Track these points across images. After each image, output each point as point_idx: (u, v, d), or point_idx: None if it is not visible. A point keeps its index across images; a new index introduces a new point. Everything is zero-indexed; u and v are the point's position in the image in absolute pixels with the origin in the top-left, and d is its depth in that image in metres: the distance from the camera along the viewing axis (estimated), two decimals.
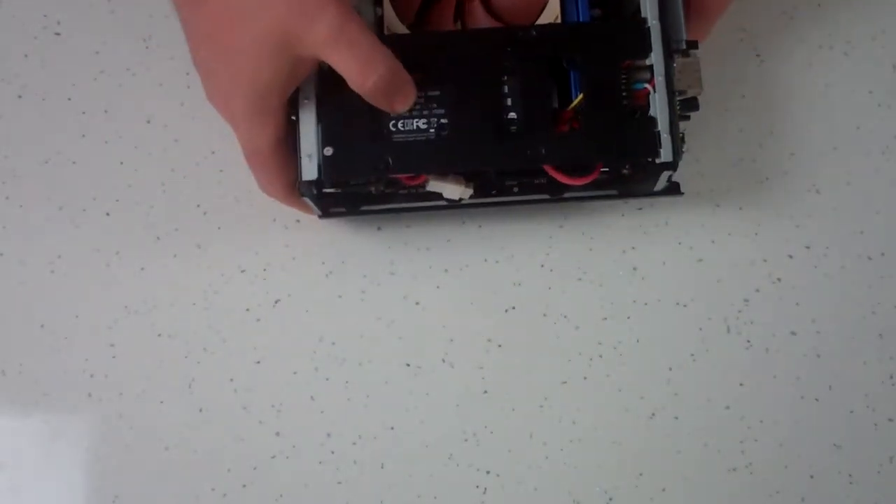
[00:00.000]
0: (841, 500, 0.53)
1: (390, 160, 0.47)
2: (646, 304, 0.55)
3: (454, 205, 0.51)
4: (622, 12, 0.51)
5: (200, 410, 0.54)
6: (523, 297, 0.55)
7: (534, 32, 0.48)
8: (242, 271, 0.55)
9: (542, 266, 0.56)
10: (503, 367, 0.54)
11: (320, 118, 0.47)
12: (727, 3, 0.52)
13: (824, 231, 0.56)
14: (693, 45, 0.49)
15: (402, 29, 0.50)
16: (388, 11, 0.50)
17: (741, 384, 0.54)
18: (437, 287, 0.55)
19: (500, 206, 0.54)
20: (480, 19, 0.51)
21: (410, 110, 0.47)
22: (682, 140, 0.49)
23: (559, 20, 0.50)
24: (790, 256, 0.56)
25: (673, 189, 0.51)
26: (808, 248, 0.56)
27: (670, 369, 0.54)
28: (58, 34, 0.59)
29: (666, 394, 0.54)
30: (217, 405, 0.54)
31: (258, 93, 0.45)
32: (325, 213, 0.53)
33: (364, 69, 0.44)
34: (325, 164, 0.47)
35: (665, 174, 0.49)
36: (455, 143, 0.47)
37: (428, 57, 0.48)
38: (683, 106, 0.50)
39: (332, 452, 0.53)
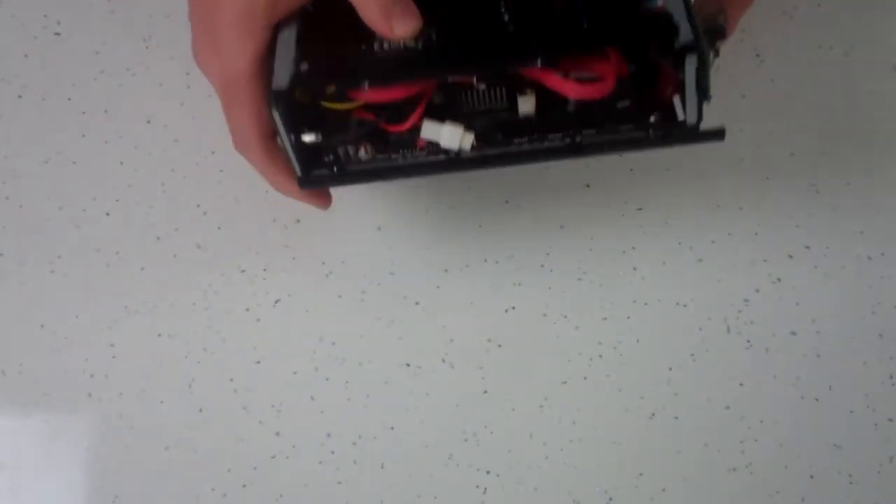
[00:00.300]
0: (841, 500, 0.53)
1: (368, 68, 0.42)
2: (646, 304, 0.55)
3: (454, 162, 0.45)
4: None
5: (200, 410, 0.54)
6: (523, 297, 0.55)
7: None
8: (242, 271, 0.55)
9: (542, 266, 0.56)
10: (503, 367, 0.54)
11: (300, 39, 0.44)
12: None
13: (824, 231, 0.56)
14: None
15: None
16: None
17: (741, 384, 0.54)
18: (437, 287, 0.55)
19: (507, 160, 0.46)
20: None
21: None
22: (716, 52, 0.44)
23: None
24: (790, 256, 0.56)
25: (714, 133, 0.43)
26: (808, 248, 0.56)
27: (670, 369, 0.54)
28: (58, 34, 0.59)
29: (666, 394, 0.54)
30: (217, 405, 0.54)
31: (246, 4, 0.43)
32: (307, 177, 0.45)
33: None
34: (297, 76, 0.42)
35: (695, 101, 0.42)
36: (443, 46, 0.42)
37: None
38: (709, 37, 0.44)
39: (332, 452, 0.53)
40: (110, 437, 0.53)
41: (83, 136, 0.57)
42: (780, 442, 0.54)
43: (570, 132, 0.44)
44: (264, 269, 0.56)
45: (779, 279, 0.56)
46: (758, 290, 0.56)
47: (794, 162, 0.58)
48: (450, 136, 0.43)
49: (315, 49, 0.43)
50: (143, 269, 0.55)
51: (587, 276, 0.56)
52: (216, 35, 0.44)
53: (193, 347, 0.54)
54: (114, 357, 0.54)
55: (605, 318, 0.55)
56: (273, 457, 0.53)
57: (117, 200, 0.56)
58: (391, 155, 0.45)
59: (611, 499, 0.53)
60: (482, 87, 0.44)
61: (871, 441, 0.54)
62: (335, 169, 0.45)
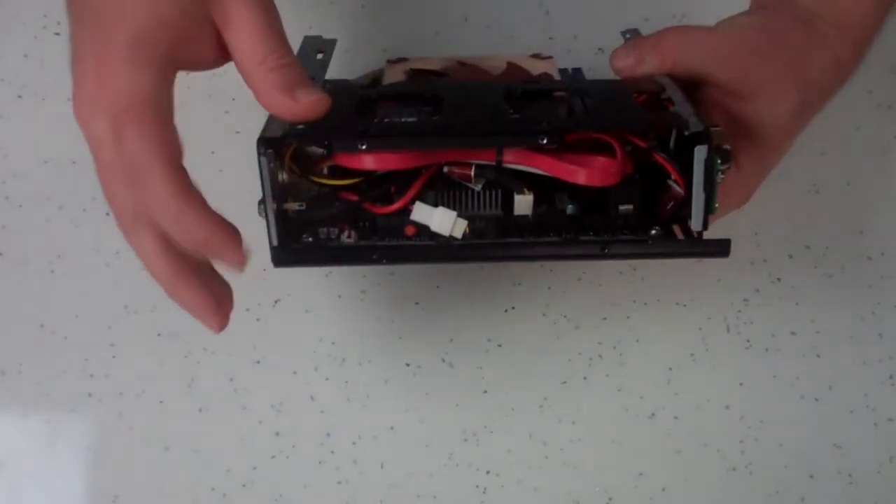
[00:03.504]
0: (841, 500, 0.53)
1: (367, 131, 0.40)
2: (646, 304, 0.55)
3: (443, 249, 0.42)
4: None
5: (200, 410, 0.54)
6: (523, 297, 0.55)
7: (539, 84, 0.46)
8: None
9: (542, 266, 0.56)
10: (503, 367, 0.54)
11: None
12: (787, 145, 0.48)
13: (824, 231, 0.56)
14: (714, 124, 0.42)
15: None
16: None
17: (741, 384, 0.54)
18: (437, 287, 0.55)
19: (499, 254, 0.43)
20: None
21: (397, 114, 0.41)
22: (724, 168, 0.41)
23: None
24: (790, 256, 0.56)
25: (718, 247, 0.41)
26: (808, 248, 0.56)
27: (670, 369, 0.54)
28: (58, 34, 0.59)
29: (666, 394, 0.54)
30: (217, 405, 0.54)
31: (150, 21, 0.39)
32: (285, 250, 0.42)
33: (265, 32, 0.39)
34: (292, 132, 0.40)
35: (700, 210, 0.40)
36: (444, 125, 0.41)
37: (428, 92, 0.44)
38: (718, 152, 0.40)
39: (332, 452, 0.53)
40: (110, 437, 0.53)
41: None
42: (780, 442, 0.54)
43: (566, 235, 0.43)
44: (264, 269, 0.55)
45: (779, 279, 0.56)
46: (758, 290, 0.56)
47: (794, 162, 0.58)
48: (441, 220, 0.41)
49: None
50: (143, 269, 0.55)
51: (587, 276, 0.55)
52: (107, 66, 0.40)
53: (193, 347, 0.54)
54: (114, 357, 0.54)
55: (605, 318, 0.55)
56: (273, 457, 0.53)
57: None
58: (376, 242, 0.43)
59: (611, 499, 0.53)
60: (479, 187, 0.42)
61: (871, 441, 0.54)
62: (314, 246, 0.43)
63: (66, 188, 0.56)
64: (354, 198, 0.42)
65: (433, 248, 0.42)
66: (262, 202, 0.40)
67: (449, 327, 0.55)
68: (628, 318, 0.55)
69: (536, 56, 0.52)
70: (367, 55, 0.58)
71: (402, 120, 0.41)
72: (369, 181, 0.42)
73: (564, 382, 0.54)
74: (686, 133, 0.40)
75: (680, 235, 0.42)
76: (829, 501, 0.53)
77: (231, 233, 0.41)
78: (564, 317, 0.55)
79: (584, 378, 0.54)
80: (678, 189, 0.41)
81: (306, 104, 0.39)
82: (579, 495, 0.53)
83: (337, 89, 0.46)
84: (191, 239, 0.40)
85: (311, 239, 0.42)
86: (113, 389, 0.54)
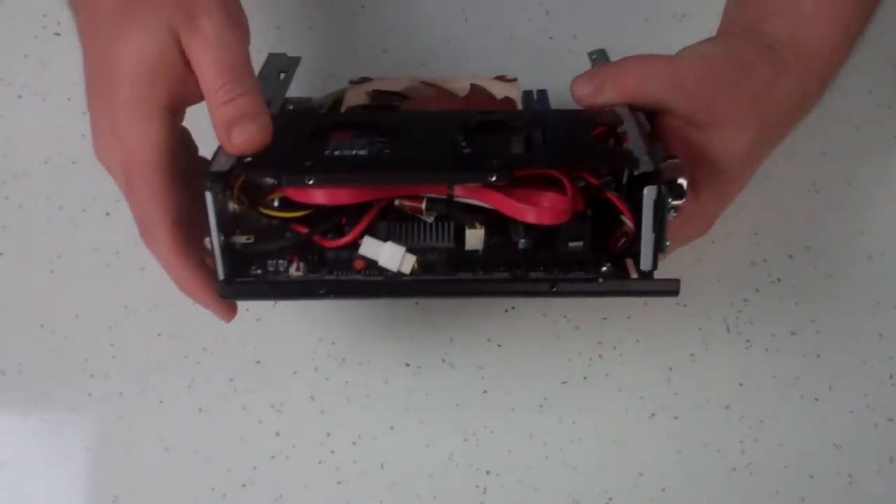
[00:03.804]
0: (841, 500, 0.53)
1: (317, 166, 0.40)
2: (645, 303, 0.55)
3: (391, 285, 0.42)
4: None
5: (200, 410, 0.54)
6: (523, 297, 0.55)
7: (497, 116, 0.45)
8: None
9: None
10: (503, 367, 0.54)
11: None
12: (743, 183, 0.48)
13: (824, 231, 0.56)
14: (671, 156, 0.42)
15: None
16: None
17: (741, 384, 0.54)
18: None
19: (448, 290, 0.44)
20: None
21: (349, 147, 0.41)
22: (674, 207, 0.41)
23: None
24: (790, 256, 0.56)
25: (667, 287, 0.41)
26: (808, 248, 0.56)
27: (670, 369, 0.54)
28: (58, 34, 0.59)
29: (666, 394, 0.54)
30: (217, 405, 0.54)
31: (145, 76, 0.41)
32: (230, 284, 0.41)
33: (220, 69, 0.41)
34: (239, 164, 0.40)
35: (649, 250, 0.40)
36: (395, 157, 0.41)
37: (382, 122, 0.44)
38: (669, 191, 0.40)
39: (332, 452, 0.53)
40: (110, 437, 0.53)
41: (83, 136, 0.57)
42: (780, 442, 0.54)
43: (517, 272, 0.43)
44: None
45: (779, 279, 0.56)
46: (758, 290, 0.56)
47: (794, 162, 0.58)
48: (390, 255, 0.41)
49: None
50: (143, 269, 0.55)
51: None
52: (115, 122, 0.42)
53: (193, 347, 0.54)
54: (114, 357, 0.54)
55: (605, 318, 0.55)
56: (273, 457, 0.53)
57: (117, 200, 0.56)
58: (325, 275, 0.42)
59: (611, 499, 0.53)
60: (430, 219, 0.42)
61: (871, 441, 0.54)
62: (260, 280, 0.42)
63: (66, 188, 0.56)
64: (305, 230, 0.42)
65: (381, 283, 0.42)
66: (207, 236, 0.40)
67: (449, 327, 0.55)
68: (628, 318, 0.55)
69: (501, 78, 0.51)
70: (368, 55, 0.58)
71: (354, 153, 0.41)
72: (320, 213, 0.41)
73: (564, 382, 0.54)
74: (636, 173, 0.40)
75: (633, 270, 0.42)
76: (829, 501, 0.53)
77: (224, 307, 0.44)
78: (564, 317, 0.55)
79: (584, 378, 0.54)
80: (630, 225, 0.41)
81: (237, 143, 0.40)
82: (579, 495, 0.53)
83: (293, 115, 0.46)
84: (182, 289, 0.44)
85: (259, 271, 0.42)
86: (113, 389, 0.54)
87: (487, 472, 0.53)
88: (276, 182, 0.41)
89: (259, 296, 0.44)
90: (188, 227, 0.43)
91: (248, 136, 0.40)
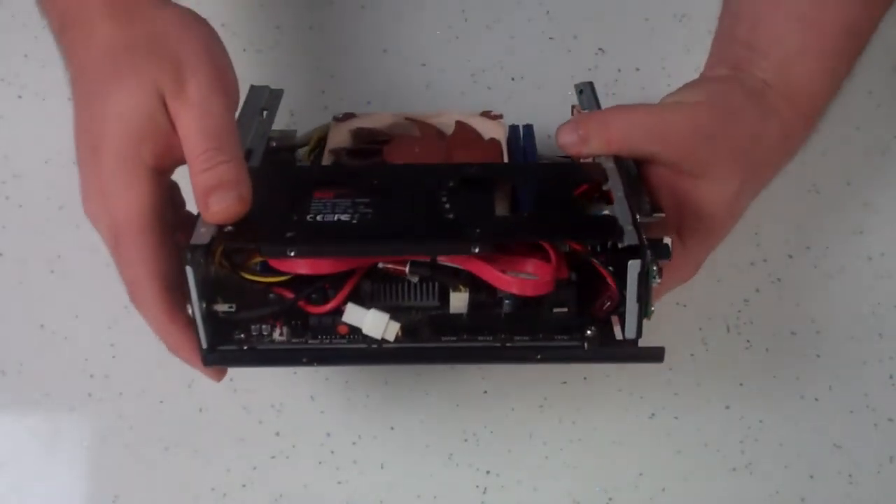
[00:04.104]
0: (841, 500, 0.53)
1: (296, 235, 0.39)
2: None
3: (375, 353, 0.42)
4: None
5: (200, 410, 0.54)
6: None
7: (479, 170, 0.45)
8: None
9: None
10: (503, 367, 0.54)
11: None
12: (727, 228, 0.49)
13: (824, 231, 0.56)
14: (658, 209, 0.44)
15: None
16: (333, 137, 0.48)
17: (741, 384, 0.54)
18: None
19: (432, 357, 0.44)
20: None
21: (330, 209, 0.41)
22: (659, 272, 0.40)
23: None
24: (790, 256, 0.56)
25: (652, 354, 0.41)
26: (808, 248, 0.56)
27: (670, 369, 0.54)
28: None
29: (666, 394, 0.54)
30: (217, 405, 0.54)
31: (131, 135, 0.41)
32: (213, 352, 0.42)
33: (203, 137, 0.41)
34: (219, 234, 0.40)
35: (634, 319, 0.40)
36: (378, 225, 0.40)
37: (364, 179, 0.43)
38: (653, 250, 0.40)
39: (332, 452, 0.53)
40: (110, 437, 0.53)
41: None
42: (780, 442, 0.54)
43: (501, 336, 0.42)
44: None
45: (779, 279, 0.56)
46: (758, 290, 0.56)
47: (794, 162, 0.58)
48: (373, 323, 0.41)
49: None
50: None
51: None
52: (101, 181, 0.42)
53: None
54: (114, 357, 0.54)
55: None
56: (273, 457, 0.53)
57: None
58: (308, 340, 0.42)
59: (611, 499, 0.53)
60: (415, 279, 0.41)
61: (871, 441, 0.54)
62: (244, 347, 0.42)
63: (66, 188, 0.56)
64: (290, 295, 0.41)
65: (365, 351, 0.41)
66: (189, 304, 0.40)
67: None
68: None
69: (486, 114, 0.51)
70: (368, 56, 0.59)
71: (336, 217, 0.40)
72: (302, 277, 0.41)
73: (564, 382, 0.54)
74: (620, 246, 0.40)
75: (618, 331, 0.41)
76: (829, 501, 0.53)
77: (213, 370, 0.44)
78: None
79: (584, 378, 0.54)
80: (615, 289, 0.41)
81: (215, 212, 0.40)
82: (579, 495, 0.53)
83: (274, 168, 0.46)
84: (172, 352, 0.44)
85: (242, 335, 0.42)
86: (113, 389, 0.54)
87: (487, 472, 0.53)
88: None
89: (242, 363, 0.44)
90: (178, 289, 0.42)
91: (226, 206, 0.40)
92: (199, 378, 0.54)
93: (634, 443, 0.54)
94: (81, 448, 0.53)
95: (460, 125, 0.50)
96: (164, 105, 0.41)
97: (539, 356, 0.41)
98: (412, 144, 0.49)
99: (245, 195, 0.40)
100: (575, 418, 0.54)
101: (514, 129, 0.51)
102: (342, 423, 0.54)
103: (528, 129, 0.51)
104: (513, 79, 0.59)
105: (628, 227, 0.40)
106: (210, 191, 0.40)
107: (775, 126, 0.47)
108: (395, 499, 0.53)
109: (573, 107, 0.50)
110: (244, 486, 0.53)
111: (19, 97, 0.58)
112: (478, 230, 0.39)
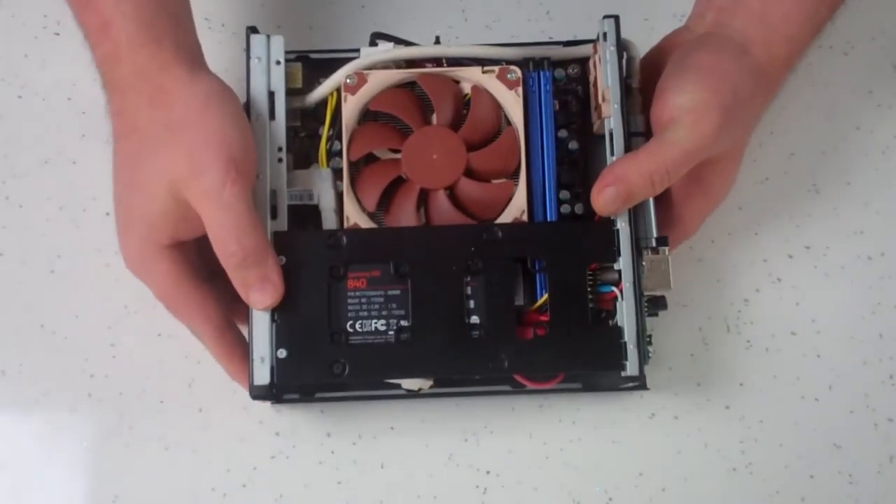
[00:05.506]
0: (841, 500, 0.53)
1: (347, 365, 0.47)
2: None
3: (412, 394, 0.50)
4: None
5: (200, 410, 0.54)
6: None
7: (499, 233, 0.48)
8: None
9: None
10: None
11: (274, 318, 0.47)
12: (705, 215, 0.52)
13: (824, 231, 0.56)
14: (663, 241, 0.49)
15: (363, 217, 0.49)
16: (348, 198, 0.49)
17: (741, 384, 0.54)
18: None
19: (460, 396, 0.53)
20: (444, 210, 0.49)
21: (366, 310, 0.47)
22: (649, 342, 0.49)
23: (525, 215, 0.49)
24: (790, 256, 0.56)
25: (638, 384, 0.49)
26: (808, 248, 0.56)
27: (670, 369, 0.54)
28: (58, 34, 0.59)
29: (666, 394, 0.54)
30: (217, 405, 0.54)
31: (149, 223, 0.46)
32: (278, 399, 0.52)
33: (224, 235, 0.45)
34: (278, 367, 0.47)
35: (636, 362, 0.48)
36: (415, 348, 0.47)
37: (388, 251, 0.48)
38: (651, 304, 0.49)
39: (332, 452, 0.53)
40: (110, 437, 0.53)
41: (83, 136, 0.57)
42: (780, 442, 0.54)
43: (516, 386, 0.50)
44: None
45: (779, 279, 0.56)
46: (758, 290, 0.56)
47: (794, 162, 0.58)
48: (411, 381, 0.49)
49: (289, 327, 0.47)
50: None
51: None
52: (133, 254, 0.48)
53: (193, 347, 0.54)
54: (114, 357, 0.54)
55: None
56: (273, 457, 0.53)
57: None
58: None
59: (611, 499, 0.53)
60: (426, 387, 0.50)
61: (871, 441, 0.54)
62: (304, 393, 0.52)
63: (66, 188, 0.56)
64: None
65: (404, 395, 0.51)
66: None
67: None
68: None
69: (503, 75, 0.50)
70: None
71: (374, 327, 0.47)
72: None
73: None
74: (622, 374, 0.47)
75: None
76: (829, 501, 0.53)
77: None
78: None
79: None
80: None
81: (254, 303, 0.47)
82: (579, 495, 0.53)
83: (300, 236, 0.49)
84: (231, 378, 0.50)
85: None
86: (113, 389, 0.54)
87: (487, 472, 0.53)
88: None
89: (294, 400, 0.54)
90: (230, 328, 0.49)
91: (261, 300, 0.46)
92: (199, 378, 0.54)
93: (634, 443, 0.54)
94: (81, 448, 0.53)
95: (477, 91, 0.51)
96: (182, 196, 0.45)
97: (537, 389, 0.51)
98: (429, 149, 0.50)
99: (275, 287, 0.46)
100: (575, 418, 0.54)
101: (531, 77, 0.51)
102: (342, 423, 0.54)
103: (547, 75, 0.51)
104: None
105: (631, 348, 0.47)
106: (246, 289, 0.46)
107: (755, 80, 0.49)
108: (395, 499, 0.53)
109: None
110: (244, 486, 0.53)
111: (19, 97, 0.58)
112: (504, 359, 0.47)
